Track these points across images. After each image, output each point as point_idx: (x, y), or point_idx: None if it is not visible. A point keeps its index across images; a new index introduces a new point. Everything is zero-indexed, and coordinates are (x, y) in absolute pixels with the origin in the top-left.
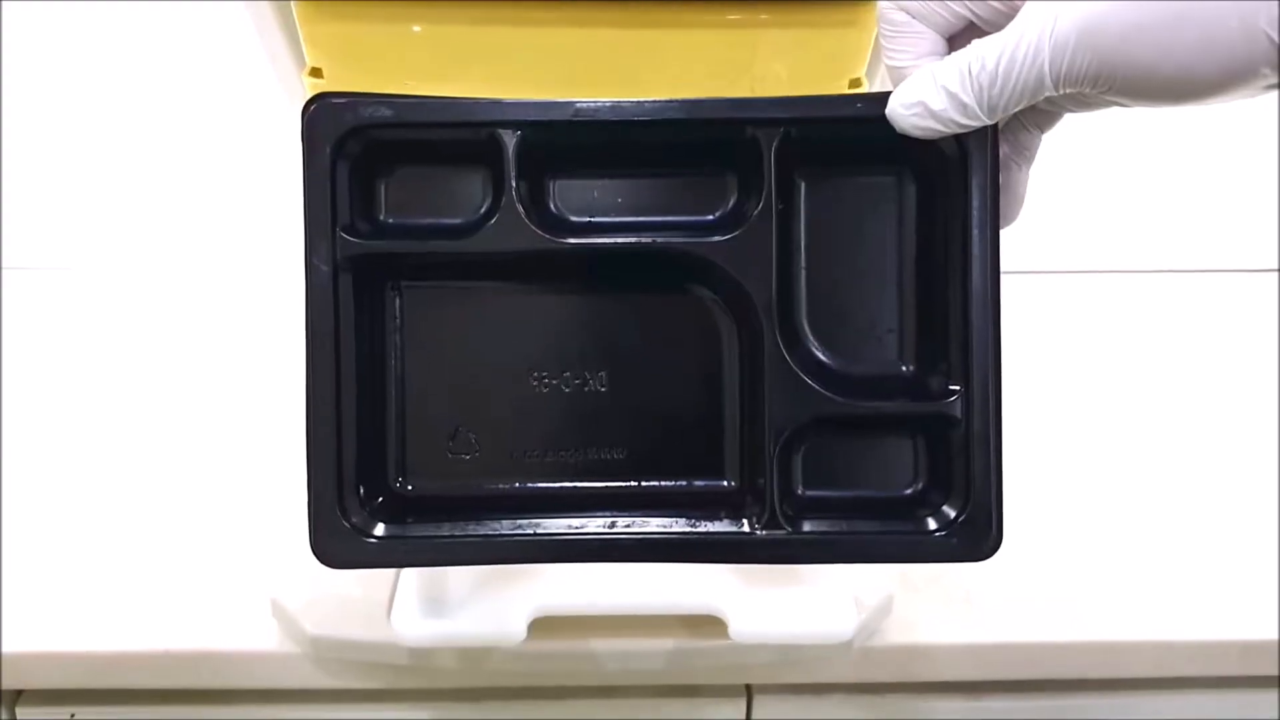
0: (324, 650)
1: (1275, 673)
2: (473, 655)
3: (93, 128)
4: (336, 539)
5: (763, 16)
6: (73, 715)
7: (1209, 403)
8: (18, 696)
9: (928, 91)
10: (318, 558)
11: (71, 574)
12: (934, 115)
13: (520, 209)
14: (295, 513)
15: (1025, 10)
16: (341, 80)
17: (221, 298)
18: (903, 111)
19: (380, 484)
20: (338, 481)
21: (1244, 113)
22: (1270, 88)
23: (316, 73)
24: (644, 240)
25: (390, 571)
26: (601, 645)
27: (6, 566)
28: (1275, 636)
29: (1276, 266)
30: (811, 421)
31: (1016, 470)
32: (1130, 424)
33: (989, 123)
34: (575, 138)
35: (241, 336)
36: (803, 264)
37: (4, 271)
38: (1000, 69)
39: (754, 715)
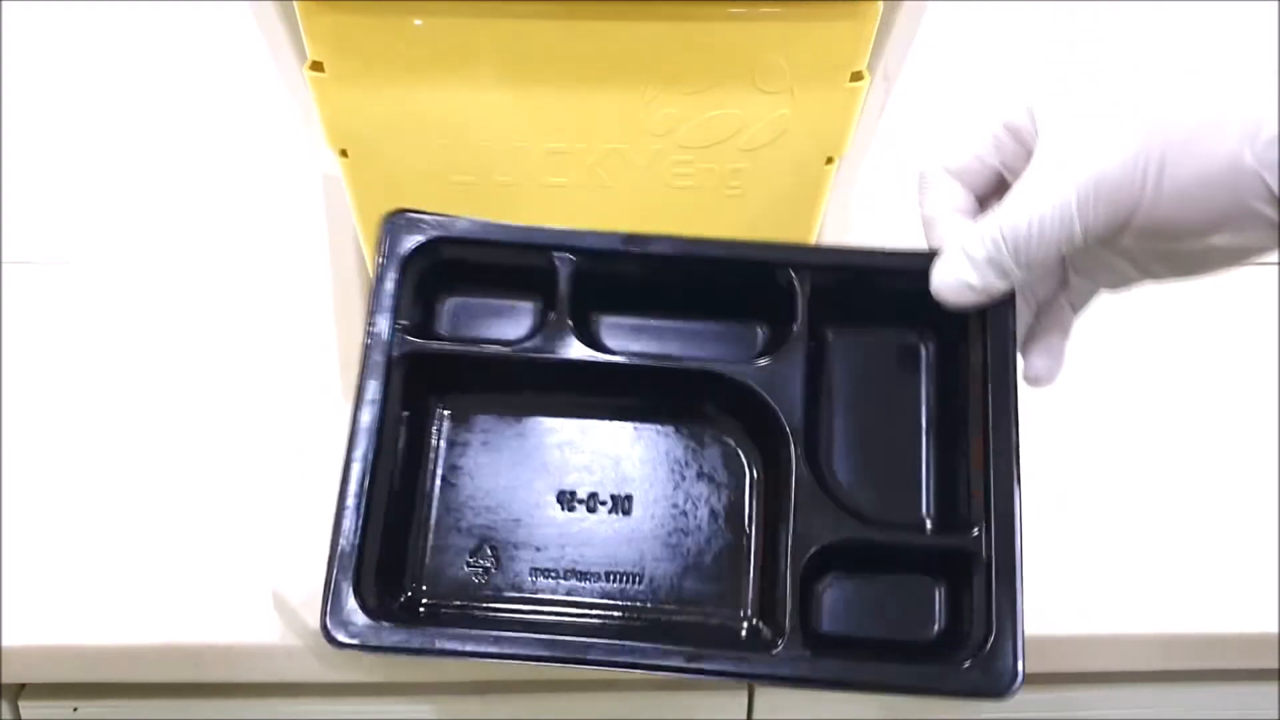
0: (325, 644)
1: (1276, 666)
2: None
3: (92, 122)
4: (343, 629)
5: (765, 10)
6: (75, 709)
7: (1210, 398)
8: (20, 690)
9: (966, 269)
10: (325, 638)
11: (73, 568)
12: (977, 290)
13: (570, 323)
14: (296, 506)
15: (1044, 167)
16: (343, 74)
17: (223, 292)
18: (947, 287)
19: (395, 584)
20: (355, 574)
21: None
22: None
23: (317, 66)
24: (681, 359)
25: None
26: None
27: (8, 561)
28: (1275, 630)
29: (1276, 261)
30: (832, 551)
31: (1021, 464)
32: (1131, 420)
33: (1025, 278)
34: (623, 267)
35: (242, 333)
36: (830, 399)
37: (4, 266)
38: (1034, 230)
39: (755, 710)
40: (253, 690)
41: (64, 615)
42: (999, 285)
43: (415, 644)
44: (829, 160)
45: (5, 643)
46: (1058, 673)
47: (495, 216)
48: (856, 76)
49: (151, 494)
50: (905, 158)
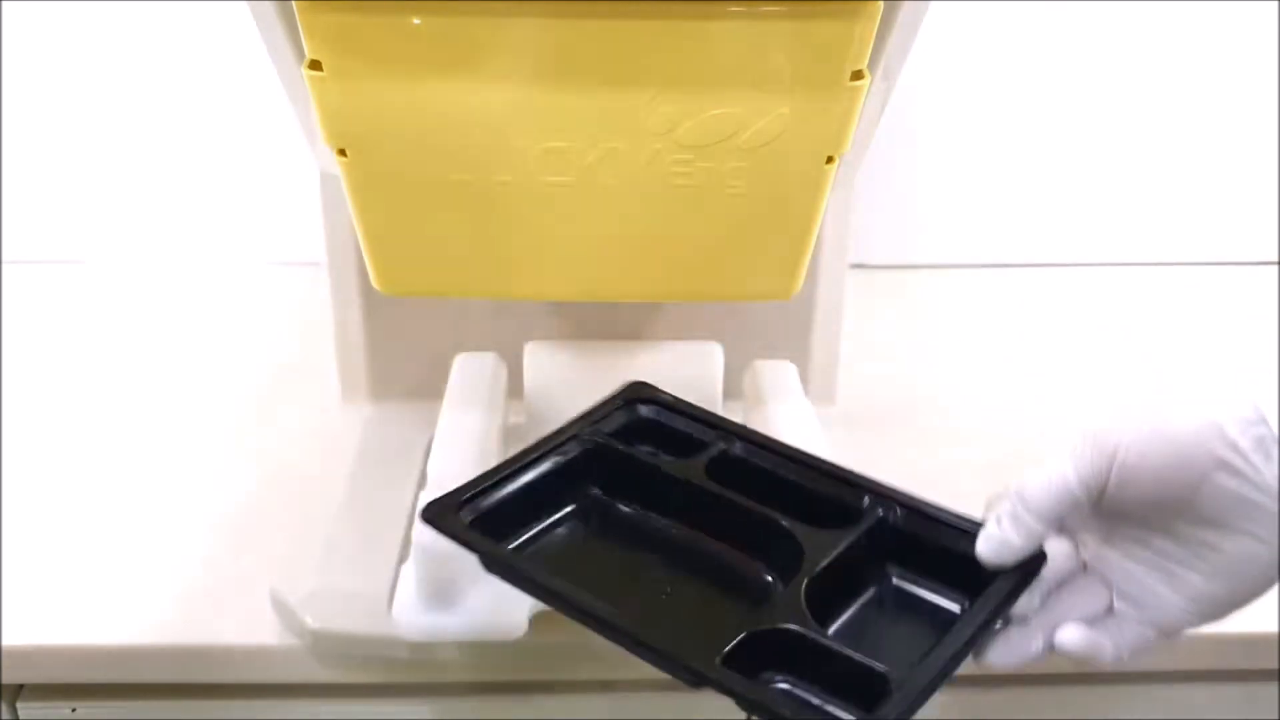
0: (325, 644)
1: (1276, 666)
2: (474, 649)
3: (93, 122)
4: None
5: (765, 9)
6: (74, 710)
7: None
8: (19, 691)
9: (992, 526)
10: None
11: (73, 568)
12: (1014, 550)
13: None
14: (296, 506)
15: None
16: (342, 74)
17: (223, 292)
18: (988, 554)
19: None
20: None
21: (1244, 108)
22: (1240, 514)
23: (316, 66)
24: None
25: (391, 566)
26: (603, 640)
27: (7, 561)
28: (1276, 630)
29: (1277, 259)
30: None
31: (1019, 462)
32: None
33: (1046, 532)
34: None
35: (242, 333)
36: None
37: (4, 266)
38: (1040, 481)
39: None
40: (251, 691)
41: (63, 615)
42: (1017, 539)
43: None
44: (829, 159)
45: (4, 643)
46: (1058, 673)
47: (494, 216)
48: (857, 76)
49: (152, 493)
50: (905, 158)
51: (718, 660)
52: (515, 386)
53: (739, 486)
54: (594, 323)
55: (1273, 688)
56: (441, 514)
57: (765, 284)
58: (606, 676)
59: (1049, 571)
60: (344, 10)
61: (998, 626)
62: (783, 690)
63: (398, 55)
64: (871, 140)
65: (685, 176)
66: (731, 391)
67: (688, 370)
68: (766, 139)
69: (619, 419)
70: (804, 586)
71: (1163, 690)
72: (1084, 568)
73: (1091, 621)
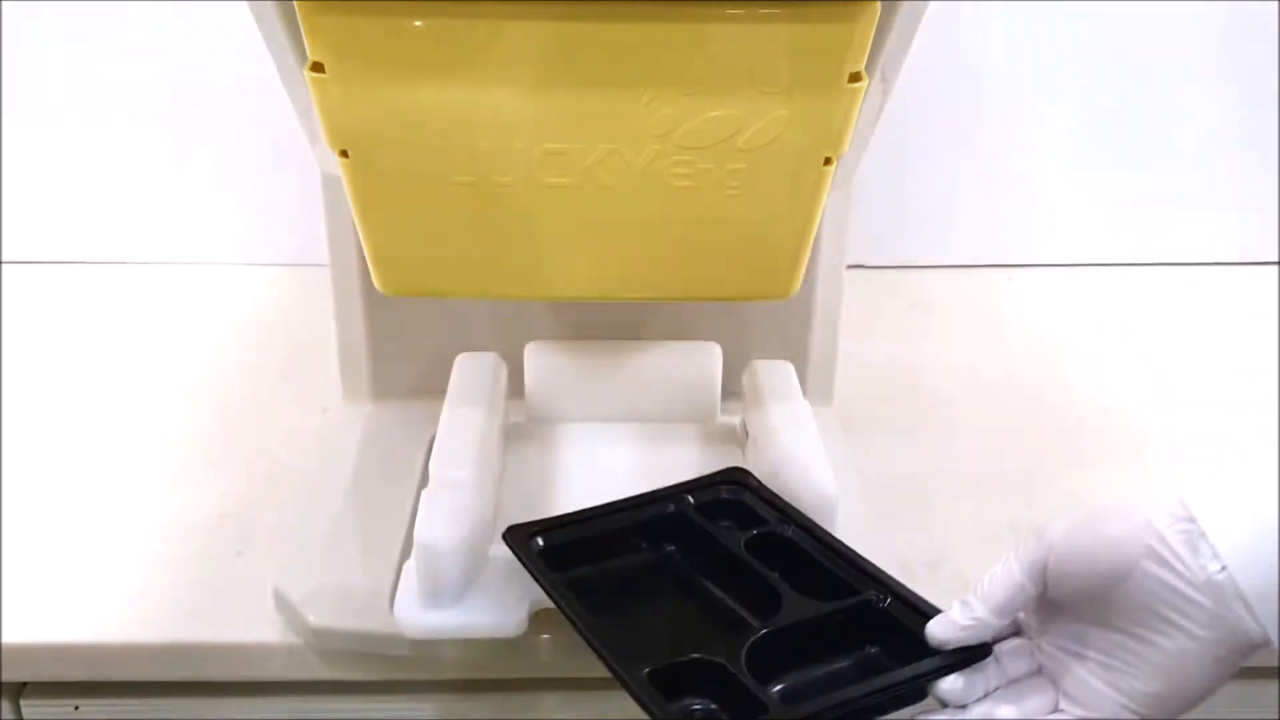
0: (326, 642)
1: (1276, 665)
2: (474, 647)
3: (92, 122)
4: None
5: (763, 11)
6: (76, 708)
7: (1210, 396)
8: (21, 689)
9: (953, 612)
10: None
11: (74, 567)
12: (957, 630)
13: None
14: (297, 506)
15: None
16: (343, 75)
17: (223, 292)
18: (938, 634)
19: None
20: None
21: (1244, 108)
22: (1171, 606)
23: (318, 67)
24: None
25: (392, 563)
26: None
27: (9, 559)
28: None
29: (1277, 259)
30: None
31: (1018, 462)
32: (1132, 417)
33: (1004, 623)
34: None
35: (242, 333)
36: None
37: (4, 266)
38: (993, 576)
39: None
40: (253, 689)
41: (65, 614)
42: (961, 620)
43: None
44: (827, 161)
45: (6, 641)
46: None
47: (495, 217)
48: (855, 77)
49: (153, 492)
50: (903, 159)
51: (644, 671)
52: (515, 386)
53: (769, 558)
54: (594, 323)
55: (1272, 686)
56: (514, 538)
57: (764, 284)
58: (606, 675)
59: (1000, 668)
60: (346, 12)
61: (936, 711)
62: (693, 708)
63: (399, 57)
64: (869, 141)
65: (684, 177)
66: (730, 391)
67: (687, 370)
68: (765, 140)
69: (709, 495)
70: (760, 635)
71: None
72: (1039, 670)
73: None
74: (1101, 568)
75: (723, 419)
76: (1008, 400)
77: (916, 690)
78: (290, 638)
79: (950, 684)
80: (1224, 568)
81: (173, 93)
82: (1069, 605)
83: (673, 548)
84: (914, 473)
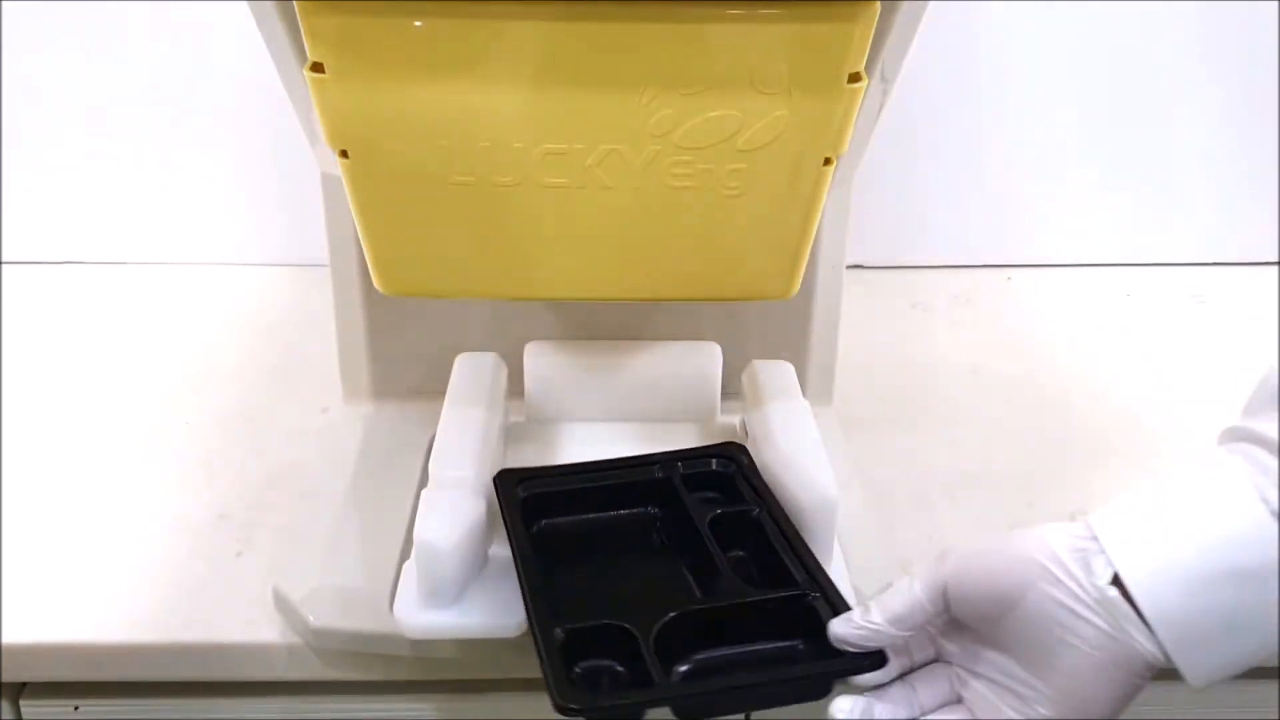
0: (326, 642)
1: (1275, 665)
2: (475, 647)
3: (92, 122)
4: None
5: (763, 11)
6: (76, 708)
7: (1210, 396)
8: (21, 689)
9: (855, 616)
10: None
11: (75, 567)
12: (853, 629)
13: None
14: (297, 506)
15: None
16: (343, 75)
17: (223, 292)
18: (837, 630)
19: None
20: None
21: (1244, 108)
22: (1065, 625)
23: (318, 67)
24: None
25: (392, 564)
26: None
27: (8, 559)
28: None
29: (1277, 259)
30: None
31: (1018, 462)
32: (1132, 416)
33: (900, 635)
34: None
35: (242, 333)
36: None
37: (3, 266)
38: (896, 591)
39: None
40: (253, 689)
41: (64, 614)
42: (858, 620)
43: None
44: (827, 161)
45: (6, 641)
46: None
47: (495, 217)
48: (854, 78)
49: (153, 492)
50: (902, 159)
51: (559, 631)
52: (515, 386)
53: (734, 535)
54: (594, 323)
55: (1272, 686)
56: (502, 482)
57: (763, 284)
58: None
59: (914, 693)
60: (346, 12)
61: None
62: (587, 668)
63: (399, 57)
64: (869, 142)
65: (684, 178)
66: (730, 391)
67: (687, 370)
68: (764, 141)
69: (700, 465)
70: (682, 612)
71: (1162, 689)
72: (959, 700)
73: None
74: (999, 590)
75: (723, 419)
76: (1008, 400)
77: (810, 688)
78: (290, 638)
79: (841, 706)
80: (1116, 582)
81: (173, 93)
82: (975, 629)
83: (655, 510)
84: (914, 473)
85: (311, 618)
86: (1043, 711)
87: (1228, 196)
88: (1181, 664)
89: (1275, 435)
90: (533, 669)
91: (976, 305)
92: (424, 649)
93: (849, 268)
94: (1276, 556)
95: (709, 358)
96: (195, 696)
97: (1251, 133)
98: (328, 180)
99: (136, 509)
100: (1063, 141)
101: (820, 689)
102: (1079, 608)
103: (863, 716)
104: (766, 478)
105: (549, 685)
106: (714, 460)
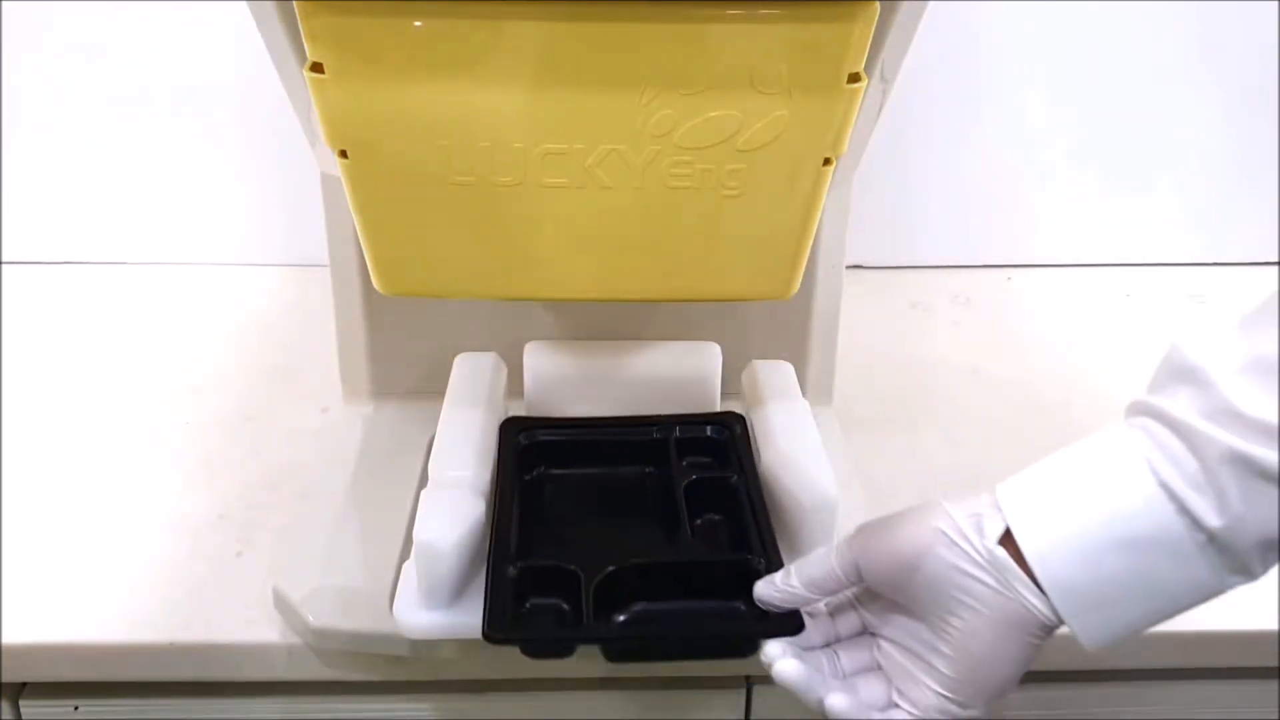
0: (326, 642)
1: (1275, 664)
2: (474, 647)
3: (92, 122)
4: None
5: (763, 11)
6: (76, 708)
7: None
8: (21, 689)
9: (776, 579)
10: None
11: (75, 567)
12: (771, 591)
13: None
14: (297, 506)
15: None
16: (343, 75)
17: (223, 292)
18: (759, 590)
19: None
20: None
21: (1244, 108)
22: (959, 586)
23: (317, 67)
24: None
25: (392, 564)
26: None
27: (8, 559)
28: (1275, 628)
29: (1277, 260)
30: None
31: (1018, 462)
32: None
33: (815, 598)
34: None
35: (242, 333)
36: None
37: (3, 266)
38: (814, 559)
39: (754, 708)
40: (253, 689)
41: (64, 614)
42: (778, 581)
43: None
44: (826, 161)
45: (6, 641)
46: (1058, 671)
47: (495, 217)
48: (854, 78)
49: (153, 492)
50: (902, 159)
51: (512, 568)
52: (515, 386)
53: (710, 499)
54: (594, 323)
55: (1272, 685)
56: (507, 429)
57: (763, 284)
58: (606, 675)
59: (836, 660)
60: (345, 12)
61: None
62: (537, 604)
63: (399, 57)
64: (869, 142)
65: (684, 178)
66: (730, 391)
67: (687, 370)
68: (764, 141)
69: (696, 430)
70: (629, 564)
71: (1162, 688)
72: (878, 667)
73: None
74: (901, 556)
75: None
76: (1008, 400)
77: (727, 646)
78: (290, 638)
79: (772, 651)
80: (1011, 545)
81: (173, 93)
82: (888, 597)
83: (650, 469)
84: (914, 473)
85: (311, 618)
86: (945, 670)
87: (1227, 196)
88: (1075, 627)
89: (1172, 411)
90: (532, 669)
91: (976, 305)
92: (423, 649)
93: (849, 268)
94: (1163, 527)
95: (709, 358)
96: (195, 696)
97: (1251, 133)
98: (328, 180)
99: (136, 509)
100: (1063, 142)
101: (739, 648)
102: (971, 568)
103: (790, 664)
104: (767, 477)
105: (484, 613)
106: (709, 427)
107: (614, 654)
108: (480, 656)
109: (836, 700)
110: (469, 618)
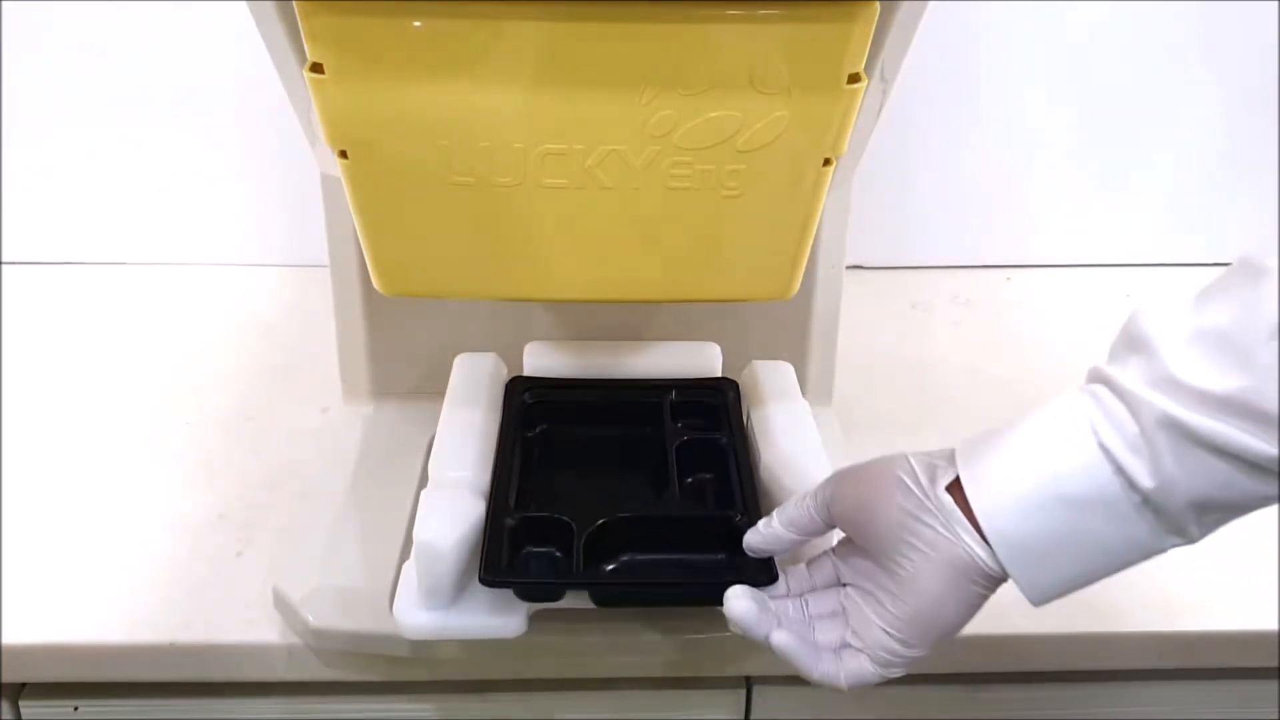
0: (326, 642)
1: (1274, 664)
2: (474, 648)
3: (92, 122)
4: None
5: (763, 12)
6: (76, 708)
7: None
8: (21, 690)
9: (760, 526)
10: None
11: (74, 568)
12: (760, 538)
13: None
14: (297, 506)
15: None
16: (343, 76)
17: (223, 292)
18: (748, 539)
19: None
20: None
21: (1243, 109)
22: (911, 531)
23: (317, 68)
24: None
25: (392, 564)
26: (601, 638)
27: (8, 560)
28: (1274, 628)
29: (1277, 260)
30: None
31: None
32: None
33: (797, 538)
34: None
35: (242, 333)
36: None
37: (3, 266)
38: (793, 501)
39: (754, 707)
40: (253, 689)
41: (64, 615)
42: (762, 529)
43: None
44: (826, 162)
45: (5, 642)
46: (1057, 671)
47: (494, 217)
48: (854, 78)
49: (153, 493)
50: (901, 160)
51: (510, 519)
52: None
53: (700, 460)
54: (594, 323)
55: (1272, 685)
56: (513, 387)
57: (763, 285)
58: (606, 675)
59: (804, 607)
60: (345, 12)
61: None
62: (533, 551)
63: (399, 58)
64: (869, 142)
65: (684, 178)
66: None
67: (687, 370)
68: (764, 141)
69: (692, 395)
70: (619, 517)
71: (1162, 688)
72: (841, 611)
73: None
74: (863, 499)
75: None
76: (1008, 400)
77: (706, 592)
78: (290, 638)
79: (731, 592)
80: (956, 488)
81: (173, 93)
82: (848, 536)
83: (648, 429)
84: None
85: (311, 618)
86: (892, 609)
87: (1227, 196)
88: (1018, 579)
89: (1119, 379)
90: (532, 669)
91: (976, 305)
92: (423, 649)
93: (849, 268)
94: (1101, 486)
95: (709, 358)
96: (195, 697)
97: (1251, 133)
98: (328, 180)
99: (136, 509)
100: (1062, 142)
101: (717, 596)
102: (920, 513)
103: (740, 603)
104: (766, 478)
105: (480, 560)
106: (705, 391)
107: (600, 598)
108: (480, 657)
109: (779, 637)
110: (469, 618)
